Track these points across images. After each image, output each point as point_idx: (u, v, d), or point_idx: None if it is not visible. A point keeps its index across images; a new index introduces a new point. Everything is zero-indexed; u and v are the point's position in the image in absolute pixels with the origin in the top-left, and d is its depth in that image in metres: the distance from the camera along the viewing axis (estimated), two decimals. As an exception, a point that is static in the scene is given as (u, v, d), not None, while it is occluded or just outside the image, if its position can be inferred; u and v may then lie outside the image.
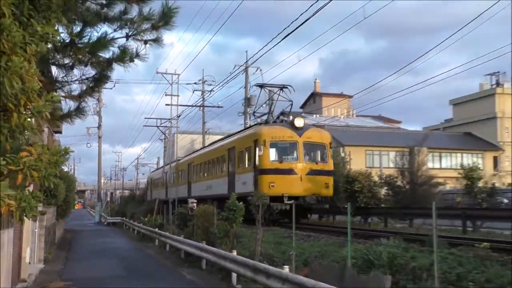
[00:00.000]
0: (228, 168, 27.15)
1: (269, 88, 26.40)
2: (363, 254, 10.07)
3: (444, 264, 8.61)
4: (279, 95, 25.87)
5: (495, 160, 64.74)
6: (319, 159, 22.94)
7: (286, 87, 25.81)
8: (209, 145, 37.00)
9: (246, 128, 27.53)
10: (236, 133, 29.65)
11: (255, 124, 26.80)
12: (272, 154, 22.01)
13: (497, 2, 16.16)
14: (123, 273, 15.06)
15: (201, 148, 40.12)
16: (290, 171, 21.73)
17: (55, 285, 12.44)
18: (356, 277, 8.49)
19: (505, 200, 25.85)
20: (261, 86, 26.70)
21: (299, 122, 22.49)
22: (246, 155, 23.97)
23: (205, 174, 32.96)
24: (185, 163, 39.95)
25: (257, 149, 22.08)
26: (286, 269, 9.20)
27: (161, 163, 58.84)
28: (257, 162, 22.06)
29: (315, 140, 22.96)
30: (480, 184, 22.49)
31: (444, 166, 54.35)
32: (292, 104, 26.79)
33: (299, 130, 22.25)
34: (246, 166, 23.76)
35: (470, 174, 22.41)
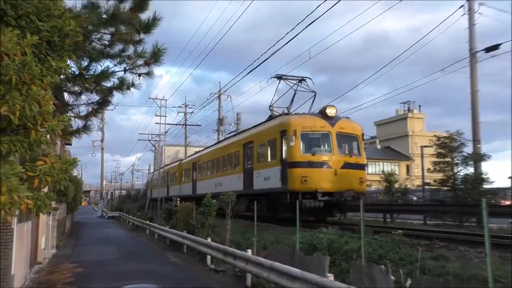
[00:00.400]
0: (243, 164, 20.51)
1: (288, 80, 19.74)
2: (308, 240, 10.12)
3: (369, 247, 8.68)
4: (298, 85, 19.48)
5: (407, 168, 67.38)
6: (352, 152, 16.96)
7: (304, 80, 19.59)
8: (216, 144, 29.91)
9: (265, 121, 20.14)
10: (252, 127, 21.85)
11: (277, 116, 19.32)
12: (303, 145, 16.05)
13: (408, 49, 16.84)
14: (120, 255, 14.74)
15: (205, 148, 32.97)
16: (323, 164, 15.96)
17: (65, 266, 12.10)
18: (303, 258, 8.51)
19: (415, 198, 26.62)
20: (279, 77, 19.69)
21: (331, 111, 16.58)
22: (269, 149, 17.82)
23: (214, 172, 25.72)
24: (189, 162, 33.21)
25: (284, 140, 16.53)
26: (249, 252, 9.16)
27: (152, 170, 58.06)
28: (285, 155, 16.46)
29: (348, 131, 17.00)
30: (396, 185, 23.06)
31: (370, 172, 55.50)
32: (315, 96, 19.61)
33: (331, 120, 16.49)
34: (269, 160, 17.68)
35: (389, 178, 22.96)
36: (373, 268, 6.51)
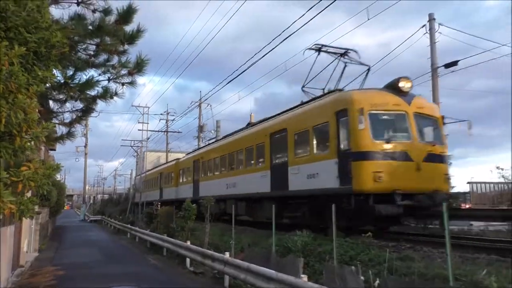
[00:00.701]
0: (270, 158, 15.30)
1: (330, 52, 14.45)
2: (284, 242, 10.17)
3: (341, 248, 8.74)
4: (339, 60, 14.29)
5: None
6: (433, 139, 11.84)
7: (349, 52, 14.29)
8: (224, 137, 23.16)
9: (302, 104, 14.76)
10: (280, 114, 15.92)
11: (325, 94, 13.91)
12: (373, 129, 11.02)
13: (377, 63, 17.00)
14: (102, 258, 14.46)
15: (208, 144, 27.54)
16: (402, 156, 10.98)
17: (47, 269, 11.80)
18: (278, 260, 8.55)
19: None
20: (319, 49, 14.20)
21: (405, 85, 11.56)
22: (314, 137, 12.73)
23: (224, 170, 20.16)
24: (188, 161, 27.16)
25: (341, 124, 11.51)
26: (227, 254, 9.15)
27: (134, 175, 57.24)
28: (345, 144, 11.34)
29: (427, 111, 11.98)
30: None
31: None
32: (369, 70, 14.16)
33: (406, 97, 11.58)
34: (315, 152, 12.63)
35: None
36: (344, 269, 6.61)
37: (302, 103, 14.86)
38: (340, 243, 9.13)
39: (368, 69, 14.20)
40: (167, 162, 35.67)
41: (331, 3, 11.13)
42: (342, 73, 14.38)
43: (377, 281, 6.13)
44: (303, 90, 15.13)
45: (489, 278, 5.12)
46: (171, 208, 18.29)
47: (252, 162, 17.19)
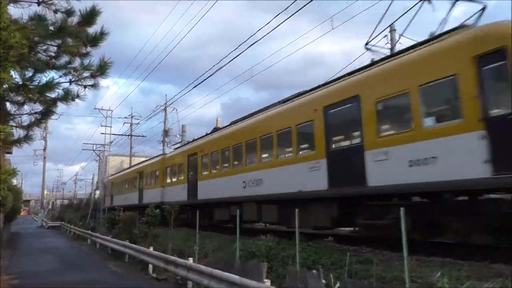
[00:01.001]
0: (326, 142, 11.20)
1: None
2: (248, 247, 10.20)
3: (304, 253, 8.86)
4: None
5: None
6: None
7: None
8: (236, 122, 17.69)
9: (389, 56, 10.89)
10: (339, 79, 11.78)
11: (437, 37, 9.19)
12: None
13: (341, 70, 17.41)
14: (60, 266, 13.94)
15: (210, 133, 21.09)
16: None
17: (1, 278, 11.25)
18: (242, 264, 8.58)
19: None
20: None
21: None
22: (424, 101, 8.55)
23: (241, 164, 15.54)
24: (180, 156, 22.10)
25: (485, 74, 7.54)
26: (190, 260, 9.09)
27: (96, 180, 55.66)
28: (489, 105, 7.43)
29: None
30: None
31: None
32: (484, 10, 9.10)
33: None
34: (427, 123, 8.49)
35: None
36: (307, 273, 6.73)
37: (382, 59, 10.69)
38: (303, 247, 9.27)
39: (483, 9, 9.22)
40: (150, 159, 30.42)
41: (296, 12, 11.35)
42: (483, 11, 9.14)
43: (338, 284, 6.27)
44: (366, 48, 11.57)
45: (442, 280, 5.36)
46: (134, 213, 17.89)
47: (290, 150, 12.81)
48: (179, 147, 25.19)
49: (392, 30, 19.62)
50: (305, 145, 12.42)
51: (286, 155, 13.15)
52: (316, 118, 11.63)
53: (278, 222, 13.79)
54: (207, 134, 20.94)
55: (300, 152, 12.42)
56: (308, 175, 11.55)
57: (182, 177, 21.17)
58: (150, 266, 11.74)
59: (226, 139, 17.16)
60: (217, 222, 18.15)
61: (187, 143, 24.33)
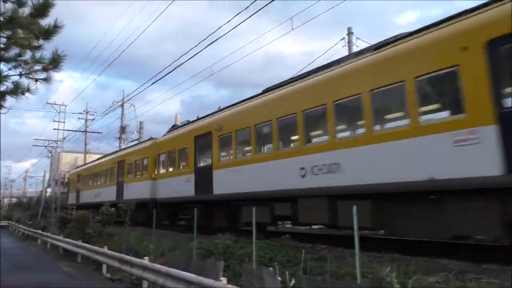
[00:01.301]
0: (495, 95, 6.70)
1: None
2: (205, 246, 10.18)
3: (261, 251, 8.91)
4: None
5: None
6: None
7: None
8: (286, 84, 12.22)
9: None
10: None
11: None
12: None
13: (301, 70, 17.68)
14: (7, 267, 13.24)
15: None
16: None
17: None
18: (199, 263, 8.56)
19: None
20: None
21: None
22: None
23: (296, 143, 11.25)
24: (179, 138, 17.27)
25: None
26: (146, 259, 8.96)
27: (48, 177, 53.34)
28: None
29: None
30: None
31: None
32: None
33: None
34: None
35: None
36: (263, 270, 6.82)
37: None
38: (261, 245, 9.36)
39: None
40: (134, 145, 25.15)
41: (256, 12, 11.43)
42: None
43: (293, 281, 6.41)
44: None
45: (391, 275, 5.62)
46: (87, 212, 17.34)
47: (403, 115, 8.62)
48: (177, 127, 19.70)
49: (350, 33, 20.21)
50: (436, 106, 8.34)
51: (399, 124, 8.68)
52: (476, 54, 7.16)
53: (371, 226, 9.21)
54: (229, 106, 14.80)
55: (423, 118, 8.00)
56: (453, 152, 7.24)
57: (186, 166, 16.15)
58: (104, 266, 11.45)
59: (264, 108, 12.34)
60: (243, 224, 13.00)
61: (188, 123, 18.22)
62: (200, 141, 15.38)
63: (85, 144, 44.60)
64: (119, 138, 38.66)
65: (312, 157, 10.22)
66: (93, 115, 42.24)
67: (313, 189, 10.09)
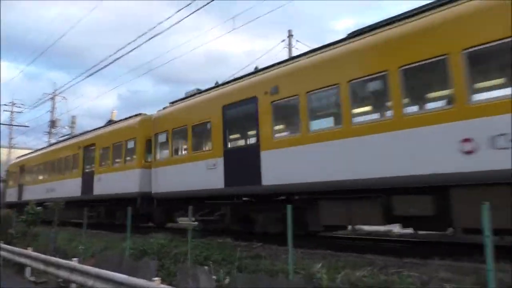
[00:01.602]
0: None
1: None
2: (140, 245, 9.92)
3: (196, 249, 8.84)
4: None
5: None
6: None
7: None
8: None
9: None
10: None
11: None
12: None
13: (242, 69, 17.71)
14: None
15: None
16: None
17: None
18: (131, 263, 8.31)
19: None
20: None
21: None
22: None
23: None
24: (195, 109, 12.28)
25: None
26: (74, 260, 8.54)
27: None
28: None
29: None
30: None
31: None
32: None
33: None
34: None
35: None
36: (198, 269, 6.78)
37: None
38: (196, 244, 9.29)
39: None
40: (111, 124, 19.09)
41: (197, 10, 11.31)
42: None
43: (227, 279, 6.44)
44: None
45: (321, 271, 5.83)
46: (10, 211, 16.12)
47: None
48: (175, 102, 13.88)
49: (290, 36, 20.68)
50: None
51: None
52: None
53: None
54: (270, 66, 10.66)
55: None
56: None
57: (208, 147, 11.77)
58: (28, 269, 10.73)
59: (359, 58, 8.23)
60: (325, 228, 9.39)
61: (204, 90, 12.84)
62: (234, 112, 11.03)
63: (10, 138, 41.85)
64: (49, 132, 36.67)
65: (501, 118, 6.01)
66: (20, 107, 39.71)
67: (491, 172, 6.08)
